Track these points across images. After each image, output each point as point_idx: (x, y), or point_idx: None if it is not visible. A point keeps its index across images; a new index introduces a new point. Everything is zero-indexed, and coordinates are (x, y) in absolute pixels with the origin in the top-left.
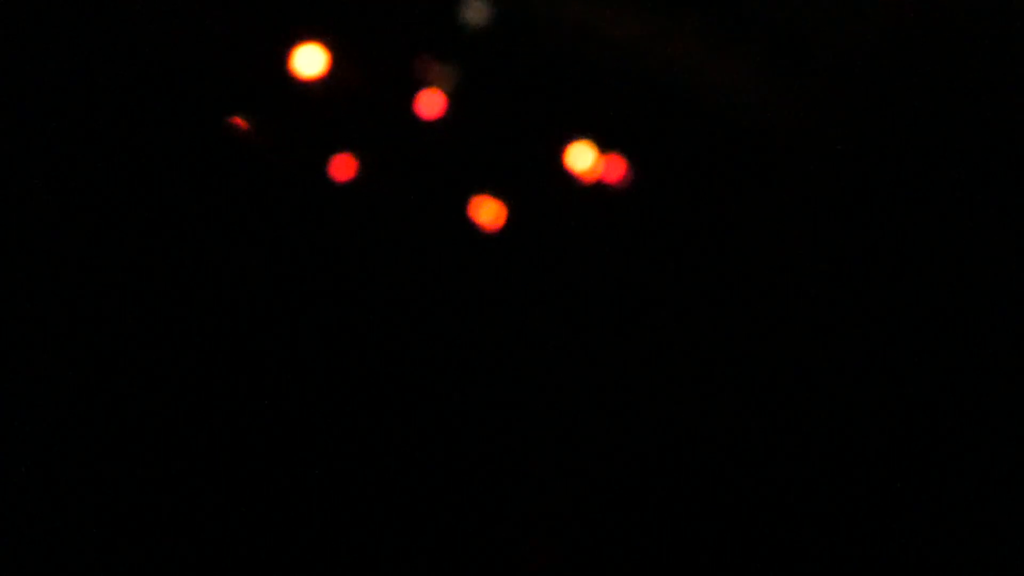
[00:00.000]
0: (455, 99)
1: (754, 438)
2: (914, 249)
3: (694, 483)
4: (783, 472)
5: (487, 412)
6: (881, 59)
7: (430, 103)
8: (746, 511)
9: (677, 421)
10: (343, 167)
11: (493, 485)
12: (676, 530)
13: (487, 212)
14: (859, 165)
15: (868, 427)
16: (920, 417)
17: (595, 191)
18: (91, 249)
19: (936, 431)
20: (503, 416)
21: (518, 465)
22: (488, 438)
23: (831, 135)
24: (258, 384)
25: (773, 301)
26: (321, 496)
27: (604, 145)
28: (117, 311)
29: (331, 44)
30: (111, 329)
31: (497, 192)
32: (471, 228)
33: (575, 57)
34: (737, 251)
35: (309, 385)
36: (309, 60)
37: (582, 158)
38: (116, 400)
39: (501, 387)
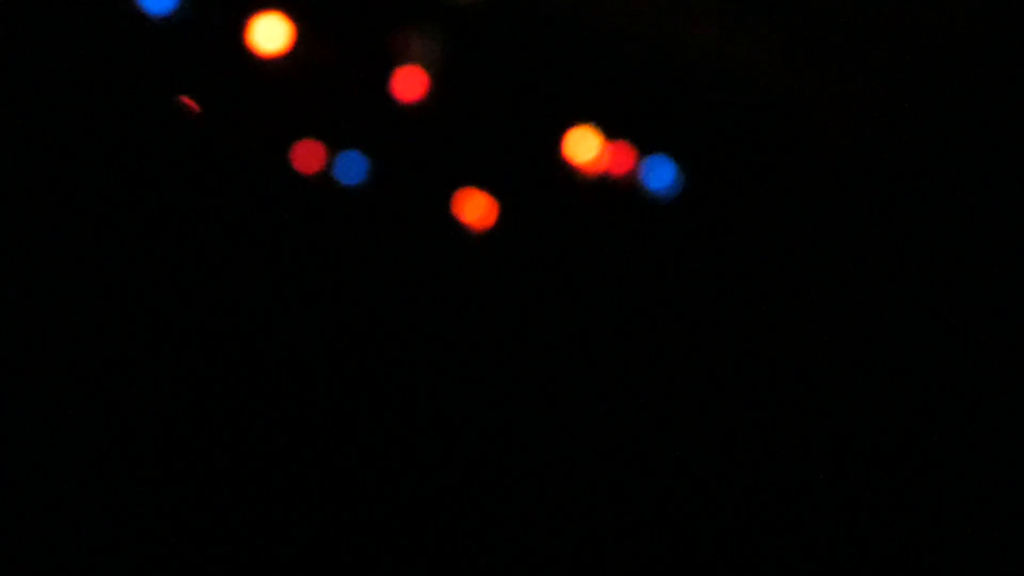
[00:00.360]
0: (438, 78)
1: (758, 444)
2: (933, 244)
3: (694, 486)
4: (784, 473)
5: (470, 430)
6: (910, 37)
7: (409, 83)
8: (746, 511)
9: (683, 434)
10: (309, 157)
11: (479, 496)
12: (676, 530)
13: (475, 209)
14: (883, 152)
15: (875, 427)
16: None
17: (599, 185)
18: (32, 236)
19: (938, 431)
20: (487, 435)
21: (506, 479)
22: (473, 450)
23: (857, 121)
24: (226, 382)
25: (789, 305)
26: (307, 498)
27: (609, 132)
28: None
29: (294, 15)
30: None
31: (486, 186)
32: (457, 227)
33: (576, 31)
34: (756, 251)
35: (277, 388)
36: (269, 33)
37: (584, 147)
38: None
39: (492, 404)
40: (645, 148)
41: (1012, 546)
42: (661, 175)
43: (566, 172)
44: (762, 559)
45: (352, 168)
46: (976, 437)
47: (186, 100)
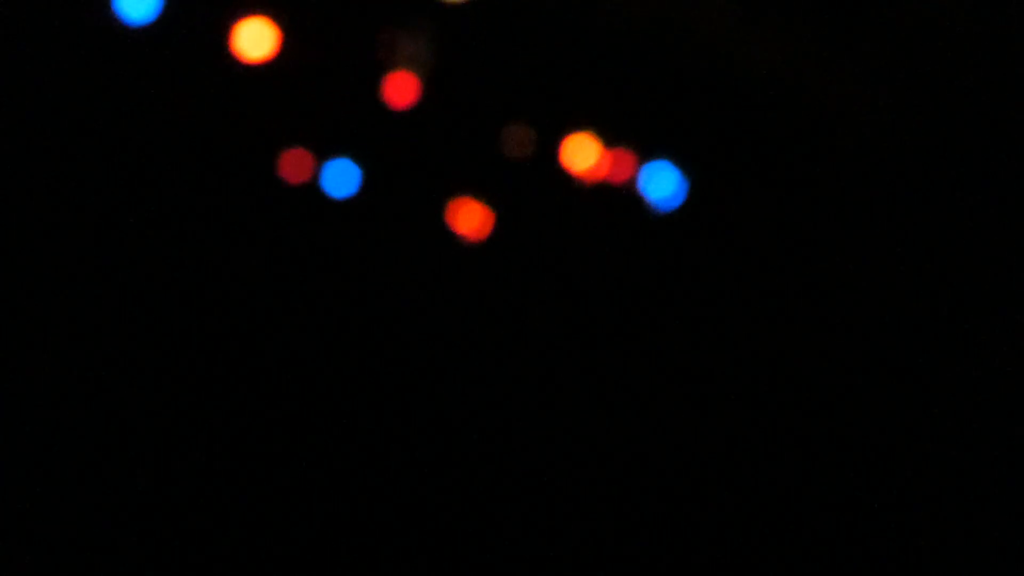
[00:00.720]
0: (430, 83)
1: (763, 453)
2: (938, 244)
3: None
4: (784, 474)
5: (464, 444)
6: (913, 37)
7: (401, 88)
8: (746, 511)
9: (686, 459)
10: (297, 166)
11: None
12: (676, 530)
13: (470, 219)
14: (888, 155)
15: (874, 427)
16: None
17: (598, 193)
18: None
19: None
20: (482, 449)
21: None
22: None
23: (861, 124)
24: (210, 398)
25: (794, 318)
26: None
27: (609, 138)
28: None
29: (280, 19)
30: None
31: (481, 195)
32: (450, 238)
33: (574, 32)
34: (761, 261)
35: (265, 401)
36: (255, 39)
37: (583, 154)
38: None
39: (487, 418)
40: (646, 155)
41: (1012, 546)
42: (662, 183)
43: (564, 180)
44: (762, 559)
45: (342, 177)
46: (976, 437)
47: (170, 111)
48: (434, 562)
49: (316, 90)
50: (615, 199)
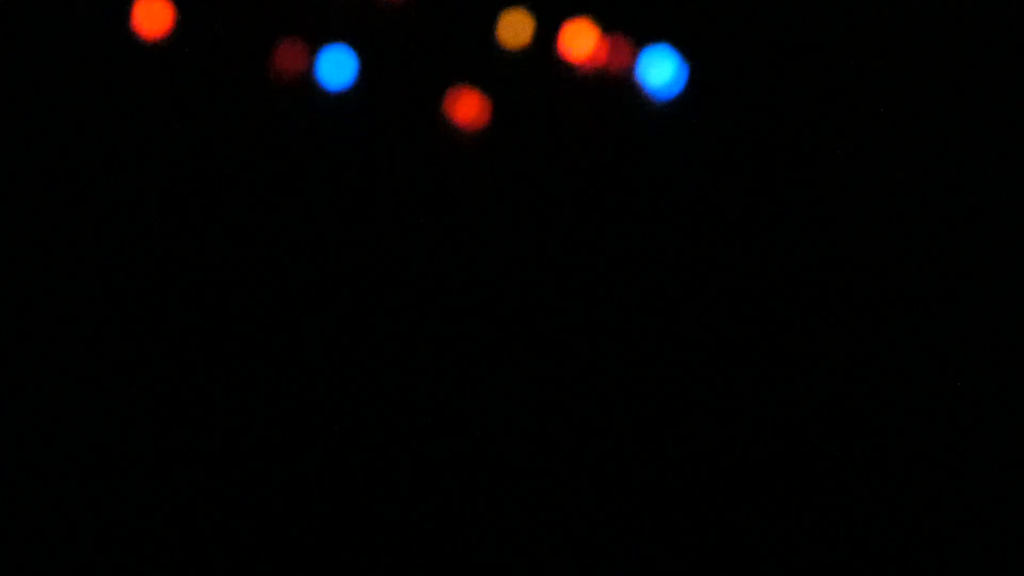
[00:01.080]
0: None
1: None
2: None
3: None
4: (783, 473)
5: (456, 346)
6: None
7: None
8: (746, 511)
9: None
10: (291, 57)
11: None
12: (675, 530)
13: (466, 107)
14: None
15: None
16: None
17: (596, 81)
18: None
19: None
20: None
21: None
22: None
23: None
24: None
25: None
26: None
27: (607, 24)
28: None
29: None
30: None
31: (478, 83)
32: (447, 127)
33: None
34: (774, 164)
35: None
36: None
37: (580, 40)
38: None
39: (478, 334)
40: (644, 41)
41: (1012, 546)
42: (661, 70)
43: (562, 68)
44: (762, 559)
45: (338, 68)
46: (976, 437)
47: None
48: (429, 559)
49: None
50: (613, 86)
